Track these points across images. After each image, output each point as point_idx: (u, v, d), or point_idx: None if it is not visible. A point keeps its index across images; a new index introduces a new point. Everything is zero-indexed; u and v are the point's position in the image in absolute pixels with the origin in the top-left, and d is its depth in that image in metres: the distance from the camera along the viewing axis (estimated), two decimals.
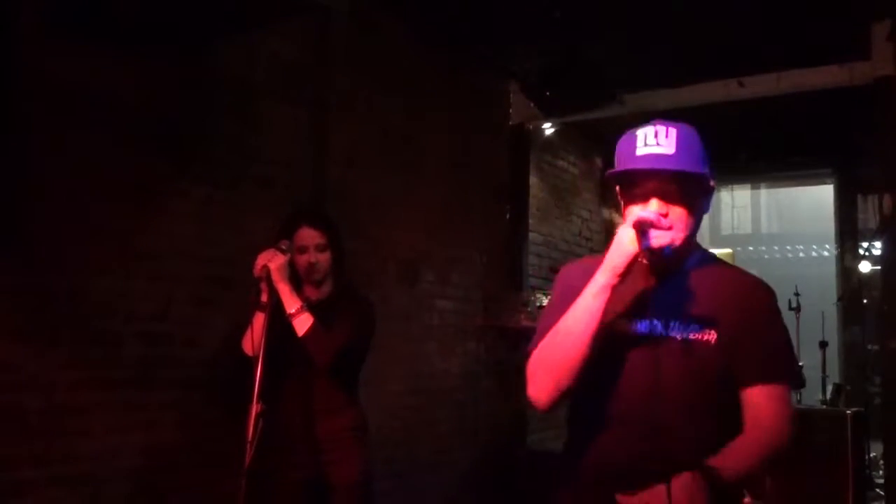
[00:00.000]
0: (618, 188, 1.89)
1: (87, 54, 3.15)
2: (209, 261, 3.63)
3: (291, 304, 2.96)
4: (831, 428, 4.82)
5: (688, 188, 1.81)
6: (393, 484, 4.39)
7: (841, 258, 7.64)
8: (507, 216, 6.21)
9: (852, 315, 7.39)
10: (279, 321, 2.92)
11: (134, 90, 3.34)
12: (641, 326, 1.85)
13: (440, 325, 5.32)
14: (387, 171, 4.84)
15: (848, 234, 7.55)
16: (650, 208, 1.78)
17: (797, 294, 6.34)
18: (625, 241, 1.75)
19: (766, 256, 14.42)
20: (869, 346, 7.09)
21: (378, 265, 4.70)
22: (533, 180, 6.51)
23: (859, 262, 7.26)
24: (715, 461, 1.70)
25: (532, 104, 5.85)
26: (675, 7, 4.79)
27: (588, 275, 1.82)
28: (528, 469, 5.44)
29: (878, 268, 6.72)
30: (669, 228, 1.77)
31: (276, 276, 2.92)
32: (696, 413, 1.79)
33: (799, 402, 5.83)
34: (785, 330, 1.91)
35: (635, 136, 1.85)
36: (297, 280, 3.11)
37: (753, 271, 2.05)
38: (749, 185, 11.88)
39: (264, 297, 2.91)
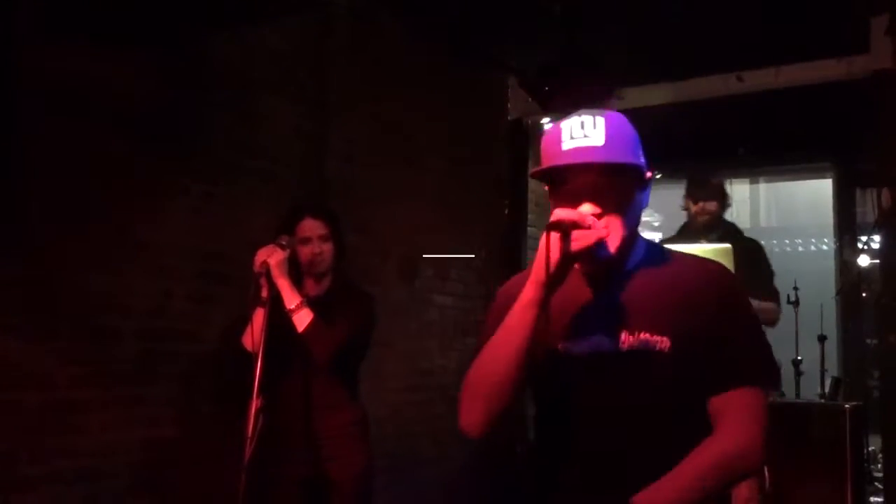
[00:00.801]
0: (547, 188, 1.71)
1: (86, 50, 3.14)
2: (208, 256, 3.63)
3: (291, 299, 2.96)
4: (830, 422, 4.82)
5: (622, 183, 1.64)
6: (392, 479, 4.39)
7: (840, 252, 7.62)
8: (506, 211, 6.20)
9: (851, 309, 7.38)
10: (279, 317, 2.92)
11: (133, 86, 3.33)
12: (585, 344, 1.66)
13: (439, 320, 5.33)
14: (386, 166, 4.84)
15: (847, 227, 7.52)
16: (581, 210, 1.58)
17: (796, 288, 6.33)
18: (546, 248, 1.55)
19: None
20: (868, 340, 7.08)
21: (377, 260, 4.70)
22: None
23: (858, 255, 7.25)
24: (646, 494, 1.54)
25: (530, 99, 5.85)
26: (674, 2, 4.78)
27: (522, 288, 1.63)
28: (528, 464, 5.45)
29: (877, 261, 6.72)
30: (604, 229, 1.59)
31: (275, 272, 2.93)
32: (652, 430, 1.61)
33: (798, 396, 5.84)
34: (752, 319, 1.71)
35: (560, 129, 1.66)
36: (296, 275, 3.11)
37: None
38: (748, 180, 11.86)
39: (264, 293, 2.92)
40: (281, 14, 3.90)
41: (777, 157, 7.64)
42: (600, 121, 1.65)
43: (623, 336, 1.64)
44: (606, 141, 1.62)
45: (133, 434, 3.28)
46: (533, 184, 6.53)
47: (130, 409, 3.28)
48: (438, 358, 5.30)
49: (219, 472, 2.89)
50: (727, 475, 1.60)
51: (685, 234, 4.61)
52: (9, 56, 2.88)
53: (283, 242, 3.00)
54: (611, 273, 1.71)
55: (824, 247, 8.94)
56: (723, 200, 4.55)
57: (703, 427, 1.65)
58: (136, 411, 3.30)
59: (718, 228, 4.38)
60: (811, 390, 6.17)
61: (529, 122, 6.35)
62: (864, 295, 7.31)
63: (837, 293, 7.42)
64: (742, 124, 6.68)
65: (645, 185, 1.71)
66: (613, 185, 1.63)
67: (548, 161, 1.67)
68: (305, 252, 3.12)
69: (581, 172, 1.62)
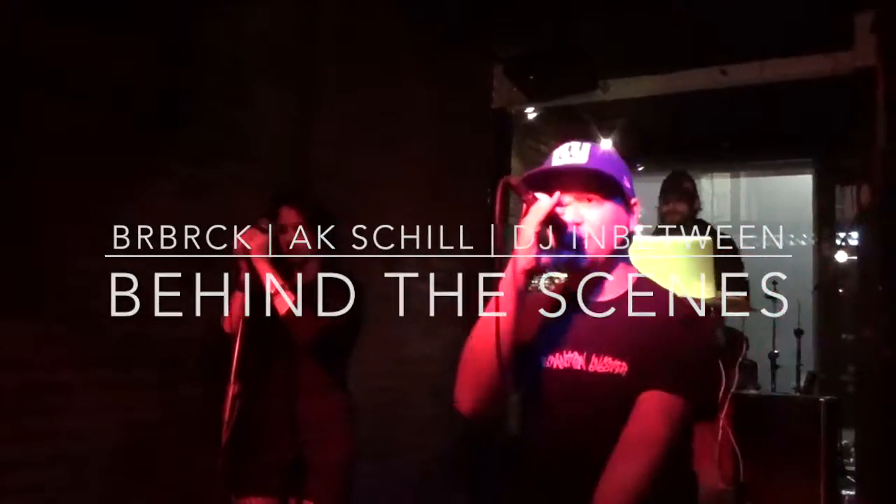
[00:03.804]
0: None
1: (72, 30, 3.10)
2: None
3: (272, 283, 2.94)
4: (804, 415, 4.87)
5: (603, 199, 1.75)
6: (371, 466, 4.39)
7: (818, 248, 7.69)
8: (489, 200, 6.20)
9: (828, 304, 7.46)
10: (263, 301, 2.91)
11: (119, 67, 3.30)
12: (563, 360, 1.77)
13: (422, 308, 5.32)
14: (371, 151, 4.82)
15: (826, 223, 7.61)
16: (563, 199, 1.71)
17: (774, 282, 6.37)
18: (529, 226, 1.66)
19: (744, 245, 14.44)
20: (843, 336, 7.16)
21: (360, 247, 4.68)
22: (515, 165, 6.51)
23: (836, 251, 7.33)
24: None
25: (515, 88, 5.84)
26: None
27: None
28: (506, 454, 5.46)
29: (855, 258, 6.79)
30: (587, 236, 1.72)
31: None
32: (609, 444, 1.66)
33: (773, 389, 5.89)
34: (704, 345, 1.77)
35: (550, 157, 1.83)
36: (284, 263, 3.10)
37: None
38: (729, 174, 11.93)
39: (243, 277, 2.90)
40: None
41: (759, 151, 7.69)
42: (586, 146, 1.79)
43: (593, 358, 1.75)
44: (590, 160, 1.77)
45: (114, 416, 3.26)
46: (515, 173, 6.53)
47: (111, 391, 3.27)
48: (420, 346, 5.30)
49: (200, 455, 2.88)
50: (643, 475, 1.61)
51: (658, 233, 4.72)
52: None
53: (264, 226, 2.98)
54: (591, 300, 1.81)
55: (803, 242, 9.00)
56: (692, 202, 4.70)
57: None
58: (117, 394, 3.29)
59: (689, 228, 4.48)
60: (787, 384, 6.23)
61: (514, 111, 6.35)
62: (840, 291, 7.39)
63: (815, 288, 7.50)
64: (724, 118, 6.72)
65: (630, 210, 1.82)
66: (597, 198, 1.75)
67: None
68: (282, 241, 3.11)
69: (566, 183, 1.76)
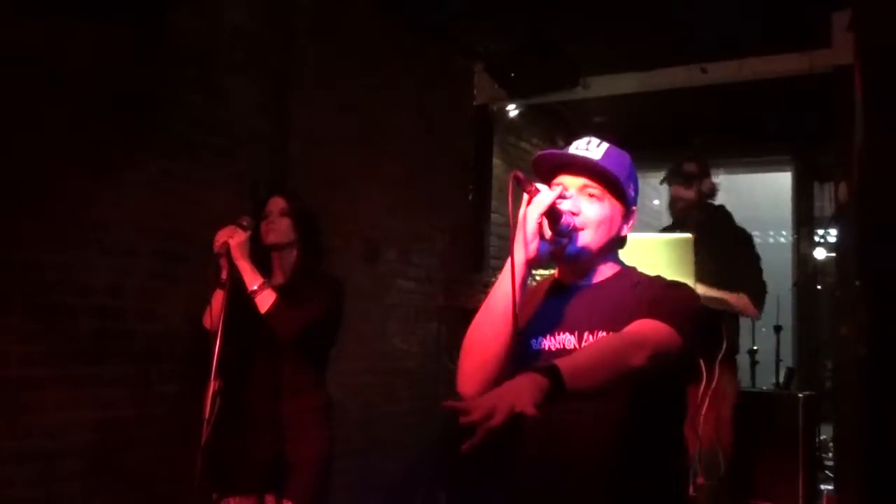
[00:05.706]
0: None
1: (46, 22, 3.07)
2: (166, 234, 3.58)
3: (253, 280, 2.93)
4: (783, 411, 4.91)
5: (604, 197, 1.80)
6: (351, 462, 4.38)
7: (797, 245, 7.75)
8: (470, 197, 6.20)
9: (806, 301, 7.52)
10: (243, 299, 2.89)
11: (92, 59, 3.26)
12: (554, 341, 1.80)
13: (401, 304, 5.32)
14: (349, 147, 4.80)
15: (804, 221, 7.66)
16: (566, 193, 1.75)
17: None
18: (530, 217, 1.69)
19: None
20: (822, 332, 7.22)
21: (339, 243, 4.67)
22: (496, 161, 6.51)
23: (814, 248, 7.38)
24: (564, 360, 1.56)
25: (496, 85, 5.84)
26: None
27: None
28: (486, 450, 5.46)
29: (833, 255, 6.84)
30: (581, 228, 1.76)
31: (236, 253, 2.89)
32: (609, 416, 1.71)
33: (753, 385, 5.93)
34: (682, 296, 1.79)
35: (567, 146, 1.88)
36: (266, 262, 3.08)
37: None
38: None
39: (223, 275, 2.88)
40: None
41: (738, 149, 7.73)
42: (605, 145, 1.85)
43: (586, 336, 1.76)
44: (603, 158, 1.81)
45: (87, 414, 3.23)
46: (497, 170, 6.54)
47: (85, 388, 3.23)
48: (399, 342, 5.29)
49: (177, 453, 2.86)
50: (638, 344, 1.62)
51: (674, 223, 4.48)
52: None
53: (244, 223, 2.96)
54: (580, 285, 1.86)
55: (782, 239, 9.06)
56: (699, 185, 4.36)
57: (656, 416, 1.76)
58: (90, 391, 3.25)
59: (697, 215, 4.27)
60: (766, 380, 6.28)
61: (495, 108, 6.35)
62: (819, 287, 7.44)
63: (794, 285, 7.55)
64: (704, 115, 6.75)
65: (628, 213, 1.86)
66: (599, 193, 1.80)
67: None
68: (265, 227, 3.10)
69: (573, 173, 1.82)
